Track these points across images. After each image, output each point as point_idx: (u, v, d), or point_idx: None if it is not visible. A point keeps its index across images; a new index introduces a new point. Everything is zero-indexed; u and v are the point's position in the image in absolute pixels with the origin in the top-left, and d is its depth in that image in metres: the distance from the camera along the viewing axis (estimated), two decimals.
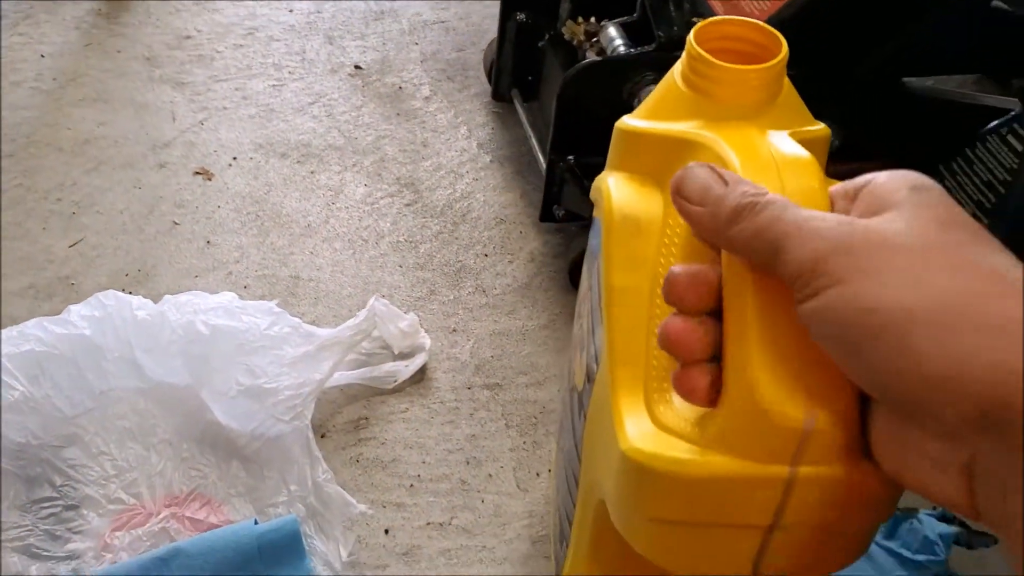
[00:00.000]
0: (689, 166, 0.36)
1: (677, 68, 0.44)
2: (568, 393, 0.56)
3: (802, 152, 0.37)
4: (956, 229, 0.30)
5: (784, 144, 0.38)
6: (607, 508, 0.43)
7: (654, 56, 0.76)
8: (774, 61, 0.41)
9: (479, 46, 1.11)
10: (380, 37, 1.14)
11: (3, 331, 0.67)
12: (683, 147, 0.42)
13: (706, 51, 0.42)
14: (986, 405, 0.26)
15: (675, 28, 0.77)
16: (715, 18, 0.44)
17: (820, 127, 0.44)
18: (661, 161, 0.43)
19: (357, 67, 1.09)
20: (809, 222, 0.31)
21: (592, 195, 0.48)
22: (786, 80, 0.43)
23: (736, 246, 0.33)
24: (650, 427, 0.37)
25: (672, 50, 0.76)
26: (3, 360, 0.64)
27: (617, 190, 0.44)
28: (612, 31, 0.80)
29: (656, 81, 0.76)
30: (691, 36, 0.42)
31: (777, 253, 0.31)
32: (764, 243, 0.32)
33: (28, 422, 0.65)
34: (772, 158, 0.37)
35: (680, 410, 0.38)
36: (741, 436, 0.34)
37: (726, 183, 0.34)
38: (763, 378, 0.33)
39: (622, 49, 0.78)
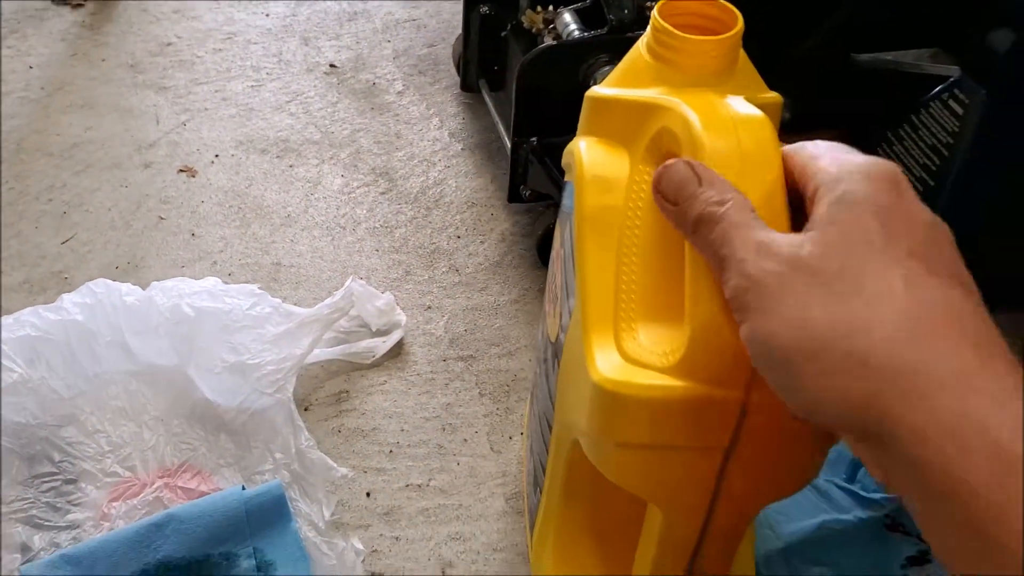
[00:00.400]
0: (670, 163, 0.38)
1: (642, 41, 0.48)
2: (542, 350, 0.60)
3: (756, 112, 0.41)
4: (860, 250, 0.32)
5: (740, 105, 0.42)
6: (579, 448, 0.47)
7: (607, 39, 0.81)
8: (730, 33, 0.45)
9: (449, 41, 1.15)
10: (354, 36, 1.19)
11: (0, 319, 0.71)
12: (648, 111, 0.46)
13: (669, 25, 0.46)
14: (857, 429, 0.31)
15: (625, 12, 0.81)
16: None
17: (773, 95, 0.48)
18: (628, 125, 0.47)
19: (332, 66, 1.13)
20: (742, 251, 0.34)
21: (564, 160, 0.53)
22: (742, 52, 0.47)
23: (697, 251, 0.37)
24: (619, 360, 0.42)
25: (623, 32, 0.80)
26: (2, 345, 0.68)
27: (588, 153, 0.49)
28: (567, 17, 0.84)
29: (610, 63, 0.81)
30: (656, 10, 0.47)
31: (720, 275, 0.35)
32: (713, 261, 0.36)
33: (27, 403, 0.69)
34: (729, 117, 0.41)
35: (646, 344, 0.42)
36: (700, 363, 0.38)
37: (700, 183, 0.37)
38: (719, 310, 0.37)
39: (577, 33, 0.82)
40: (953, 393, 0.28)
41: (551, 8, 0.89)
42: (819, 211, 0.34)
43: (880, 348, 0.29)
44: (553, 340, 0.55)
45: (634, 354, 0.42)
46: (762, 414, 0.38)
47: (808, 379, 0.31)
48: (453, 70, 1.10)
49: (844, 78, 0.90)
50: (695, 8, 0.48)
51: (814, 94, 0.88)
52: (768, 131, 0.40)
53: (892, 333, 0.30)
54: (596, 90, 0.50)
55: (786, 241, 0.33)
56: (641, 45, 0.49)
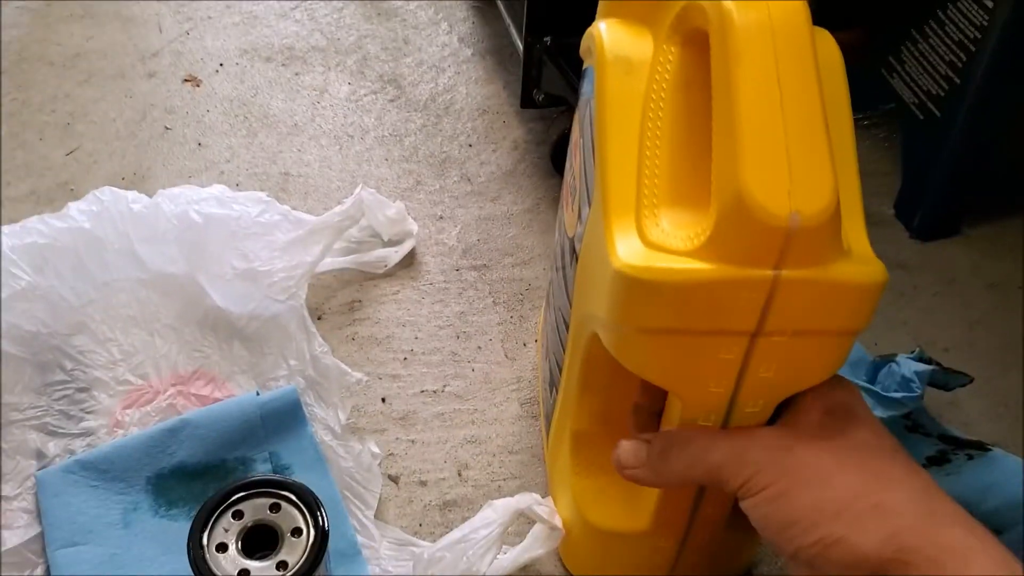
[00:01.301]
0: (619, 444, 0.47)
1: None
2: (559, 249, 0.59)
3: None
4: (859, 446, 0.40)
5: None
6: (596, 343, 0.46)
7: None
8: None
9: None
10: None
11: (6, 226, 0.70)
12: None
13: None
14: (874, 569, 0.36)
15: None
16: None
17: None
18: (649, 4, 0.45)
19: None
20: (730, 448, 0.41)
21: (583, 45, 0.51)
22: None
23: (674, 478, 0.44)
24: (640, 246, 0.40)
25: None
26: (8, 251, 0.67)
27: (609, 34, 0.46)
28: None
29: None
30: None
31: (719, 477, 0.41)
32: (700, 473, 0.42)
33: (36, 311, 0.68)
34: None
35: (669, 230, 0.40)
36: (726, 241, 0.36)
37: (649, 442, 0.45)
38: (748, 178, 0.35)
39: None
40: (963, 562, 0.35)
41: None
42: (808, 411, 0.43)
43: (892, 503, 0.37)
44: (571, 235, 0.53)
45: (657, 240, 0.40)
46: (793, 291, 0.37)
47: (831, 531, 0.37)
48: None
49: None
50: None
51: None
52: (801, 6, 0.38)
53: (915, 510, 0.37)
54: None
55: (776, 428, 0.43)
56: None
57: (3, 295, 0.66)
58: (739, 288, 0.37)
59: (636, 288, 0.39)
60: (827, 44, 0.44)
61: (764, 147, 0.36)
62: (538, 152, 0.89)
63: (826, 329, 0.39)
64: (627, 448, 0.46)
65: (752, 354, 0.39)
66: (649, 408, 0.49)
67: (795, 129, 0.36)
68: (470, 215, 0.84)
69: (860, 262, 0.39)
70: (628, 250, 0.40)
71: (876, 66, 0.88)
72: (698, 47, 0.42)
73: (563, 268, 0.56)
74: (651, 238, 0.40)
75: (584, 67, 0.51)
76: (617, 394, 0.53)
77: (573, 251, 0.52)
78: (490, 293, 0.78)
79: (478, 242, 0.82)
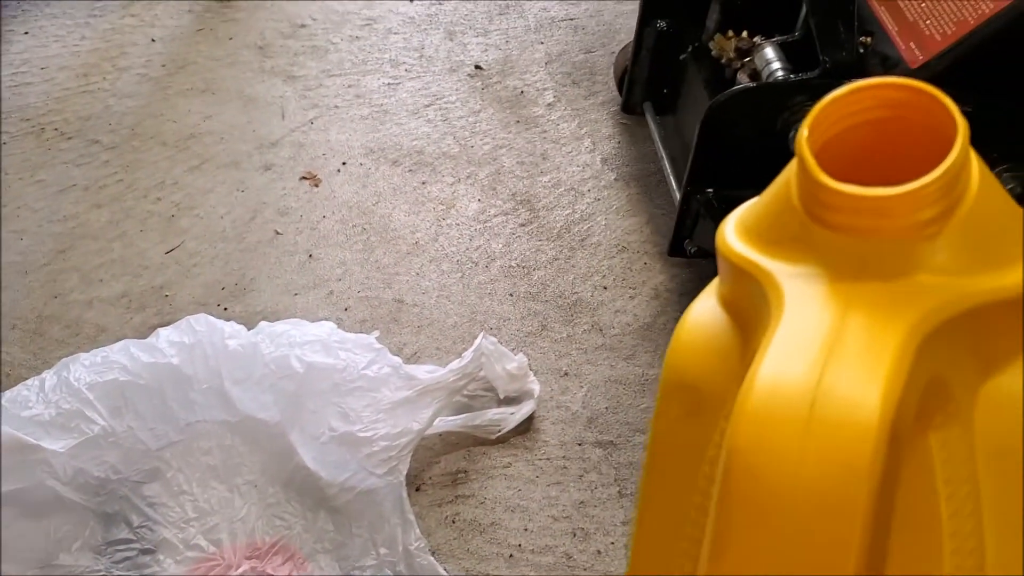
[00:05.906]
0: None
1: (792, 169, 0.29)
2: None
3: (868, 404, 0.24)
4: None
5: (853, 382, 0.25)
6: None
7: (817, 83, 0.67)
8: (938, 171, 0.25)
9: (609, 48, 1.02)
10: (503, 34, 1.06)
11: (87, 355, 0.63)
12: (767, 293, 0.29)
13: (852, 125, 0.28)
14: None
15: (844, 52, 0.67)
16: (857, 84, 0.28)
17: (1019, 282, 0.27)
18: (752, 300, 0.30)
19: (478, 67, 1.01)
20: None
21: None
22: (982, 180, 0.27)
23: None
24: None
25: (839, 77, 0.66)
26: (85, 391, 0.60)
27: (689, 331, 0.33)
28: (769, 52, 0.70)
29: None
30: (807, 122, 0.28)
31: None
32: None
33: (108, 456, 0.60)
34: (810, 395, 0.25)
35: None
36: None
37: None
38: None
39: (780, 74, 0.69)
40: None
41: (745, 35, 0.75)
42: None
43: None
44: None
45: None
46: None
47: None
48: (612, 84, 0.97)
49: None
50: (892, 96, 0.28)
51: None
52: (866, 447, 0.24)
53: None
54: (724, 232, 0.32)
55: None
56: (791, 179, 0.29)
57: (74, 442, 0.59)
58: None
59: None
60: None
61: None
62: (682, 304, 0.78)
63: None
64: None
65: None
66: None
67: None
68: (599, 374, 0.74)
69: None
70: None
71: None
72: None
73: None
74: None
75: None
76: None
77: None
78: (616, 480, 0.67)
79: (606, 411, 0.71)
